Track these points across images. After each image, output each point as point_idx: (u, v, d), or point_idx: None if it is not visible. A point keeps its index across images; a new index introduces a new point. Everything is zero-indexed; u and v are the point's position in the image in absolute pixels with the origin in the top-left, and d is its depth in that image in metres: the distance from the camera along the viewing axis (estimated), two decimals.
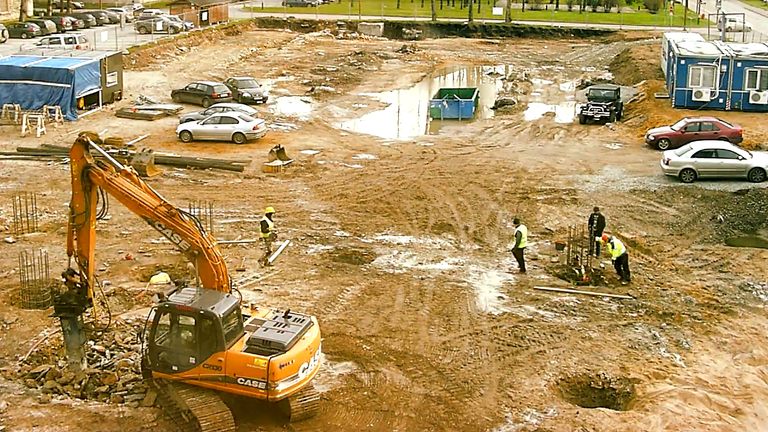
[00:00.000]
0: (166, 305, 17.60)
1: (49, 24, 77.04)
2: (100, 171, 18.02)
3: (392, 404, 19.05)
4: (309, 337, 17.93)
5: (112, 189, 18.05)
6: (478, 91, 56.66)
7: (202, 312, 17.23)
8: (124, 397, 18.91)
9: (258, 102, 53.07)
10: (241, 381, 17.18)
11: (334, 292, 24.98)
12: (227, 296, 17.92)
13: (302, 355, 17.47)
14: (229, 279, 18.47)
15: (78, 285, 18.90)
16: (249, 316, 18.53)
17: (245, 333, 17.84)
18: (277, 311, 18.84)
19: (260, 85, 56.88)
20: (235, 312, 17.73)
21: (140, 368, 19.09)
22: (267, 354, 17.06)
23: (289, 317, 18.22)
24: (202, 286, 18.27)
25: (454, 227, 31.01)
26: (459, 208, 33.17)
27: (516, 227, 27.15)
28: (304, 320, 18.33)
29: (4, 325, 22.15)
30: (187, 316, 17.47)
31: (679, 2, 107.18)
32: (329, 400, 19.11)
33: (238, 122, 43.72)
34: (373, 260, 27.68)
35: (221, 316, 17.18)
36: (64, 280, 19.23)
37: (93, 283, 18.79)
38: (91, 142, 18.45)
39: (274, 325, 17.93)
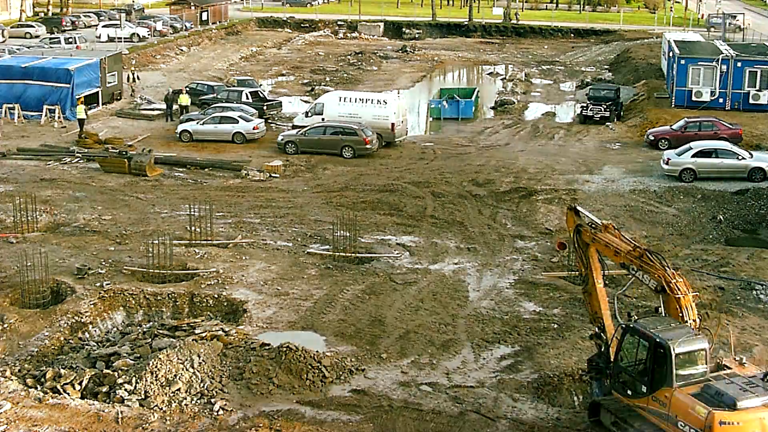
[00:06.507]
0: (631, 326, 17.00)
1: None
2: (587, 228, 18.84)
3: (392, 404, 19.04)
4: None
5: (597, 243, 18.57)
6: (478, 91, 56.65)
7: (657, 341, 16.24)
8: (124, 397, 18.91)
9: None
10: (681, 425, 15.78)
11: (334, 292, 24.98)
12: (694, 335, 16.49)
13: (753, 423, 15.28)
14: (697, 318, 17.16)
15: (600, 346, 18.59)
16: (728, 369, 16.77)
17: (708, 381, 16.13)
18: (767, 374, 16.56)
19: (260, 85, 56.85)
20: (697, 353, 16.29)
21: (589, 367, 18.78)
22: (714, 406, 15.33)
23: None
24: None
25: (454, 227, 31.00)
26: (459, 207, 33.16)
27: None
28: None
29: (4, 325, 22.15)
30: (646, 342, 16.59)
31: (679, 2, 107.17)
32: (329, 400, 19.13)
33: (238, 122, 43.72)
34: (372, 260, 27.67)
35: (675, 351, 15.95)
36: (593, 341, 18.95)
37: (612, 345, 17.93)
38: (579, 207, 19.56)
39: (745, 383, 15.93)
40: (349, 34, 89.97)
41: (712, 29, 78.46)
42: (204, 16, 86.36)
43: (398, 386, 19.82)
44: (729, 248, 28.96)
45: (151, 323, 23.28)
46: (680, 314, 16.90)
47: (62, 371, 19.77)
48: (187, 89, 53.94)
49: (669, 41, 56.63)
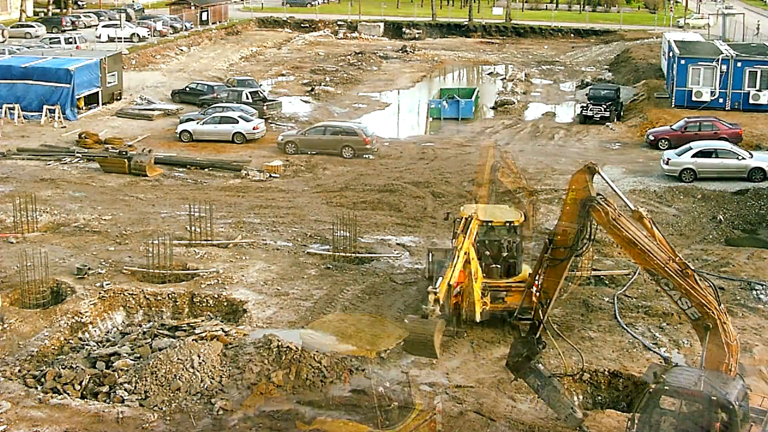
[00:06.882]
0: (666, 388, 14.69)
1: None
2: (606, 209, 15.64)
3: (392, 404, 19.04)
4: None
5: (615, 231, 15.45)
6: (478, 91, 56.64)
7: (714, 399, 14.28)
8: (124, 397, 18.92)
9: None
10: None
11: (334, 292, 24.97)
12: (733, 380, 14.99)
13: None
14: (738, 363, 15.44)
15: (530, 324, 16.73)
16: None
17: (751, 425, 14.83)
18: None
19: (260, 85, 56.86)
20: (744, 399, 14.88)
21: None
22: None
23: None
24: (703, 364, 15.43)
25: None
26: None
27: None
28: None
29: (4, 325, 22.14)
30: (695, 402, 14.58)
31: (679, 2, 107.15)
32: (330, 401, 19.13)
33: (237, 122, 43.74)
34: (372, 260, 27.66)
35: (737, 405, 14.27)
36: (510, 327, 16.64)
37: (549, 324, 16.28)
38: (601, 172, 16.24)
39: None
40: (349, 34, 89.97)
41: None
42: (204, 16, 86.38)
43: (398, 386, 19.81)
44: (729, 248, 28.95)
45: (151, 323, 23.27)
46: (726, 360, 15.04)
47: (62, 371, 19.77)
48: (188, 88, 54.06)
49: (669, 41, 56.63)
